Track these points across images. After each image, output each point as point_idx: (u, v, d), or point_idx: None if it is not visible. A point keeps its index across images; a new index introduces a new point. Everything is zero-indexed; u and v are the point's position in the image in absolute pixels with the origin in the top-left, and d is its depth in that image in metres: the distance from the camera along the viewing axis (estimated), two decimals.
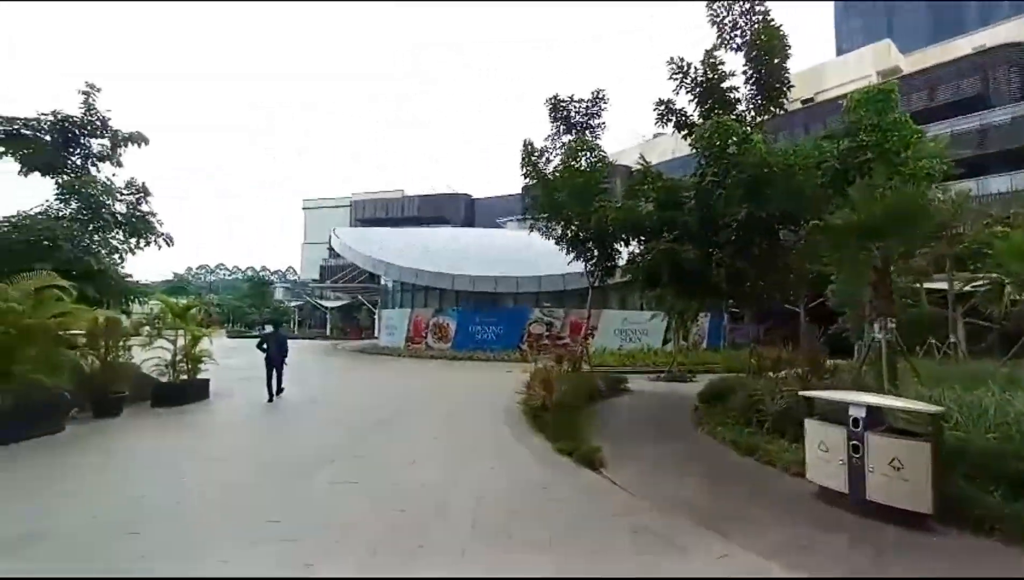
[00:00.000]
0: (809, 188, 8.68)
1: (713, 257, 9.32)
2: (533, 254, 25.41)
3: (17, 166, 12.13)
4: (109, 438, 7.16)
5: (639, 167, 10.83)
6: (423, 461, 5.99)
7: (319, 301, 56.63)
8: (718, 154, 9.14)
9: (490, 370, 17.39)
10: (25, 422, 6.79)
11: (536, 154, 12.20)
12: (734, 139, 8.91)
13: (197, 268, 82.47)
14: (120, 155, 13.17)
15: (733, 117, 9.61)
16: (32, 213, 11.75)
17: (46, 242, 10.85)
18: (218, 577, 3.26)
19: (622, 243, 11.72)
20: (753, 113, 10.12)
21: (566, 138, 12.55)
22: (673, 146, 58.05)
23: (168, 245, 13.97)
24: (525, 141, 12.16)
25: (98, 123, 12.47)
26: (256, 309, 51.23)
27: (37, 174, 12.36)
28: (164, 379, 9.84)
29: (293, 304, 62.02)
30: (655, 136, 67.63)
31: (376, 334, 50.25)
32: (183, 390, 9.86)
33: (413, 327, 25.44)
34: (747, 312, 19.60)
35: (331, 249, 66.87)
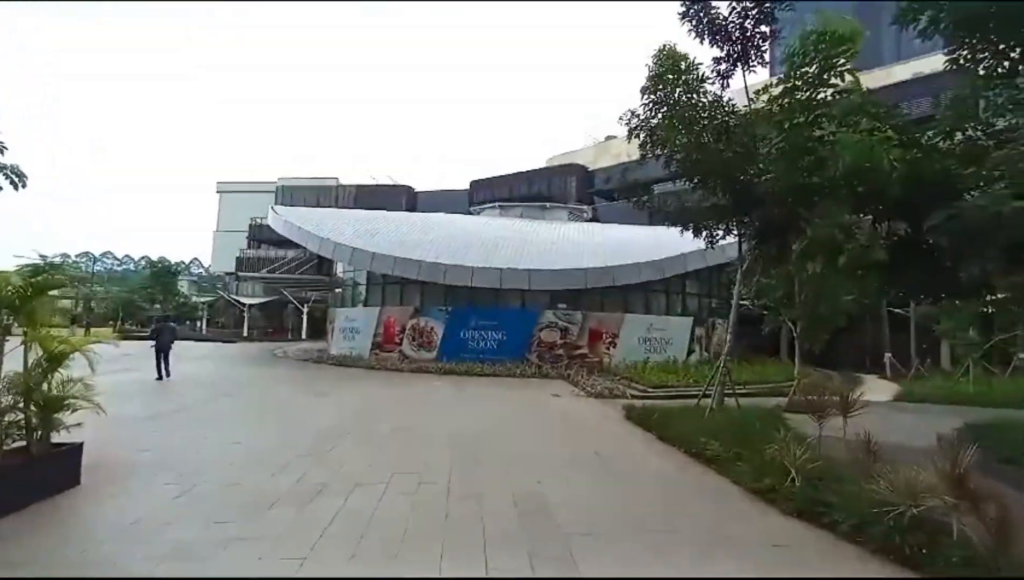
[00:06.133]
0: None
1: None
2: (539, 245, 20.97)
3: None
4: None
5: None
6: None
7: (235, 297, 48.15)
8: None
9: (521, 391, 12.66)
10: None
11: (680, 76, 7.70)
12: None
13: (76, 255, 68.12)
14: None
15: None
16: None
17: None
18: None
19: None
20: None
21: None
22: (627, 149, 56.57)
23: (18, 186, 7.96)
24: (660, 49, 7.66)
25: None
26: (156, 303, 41.87)
27: None
28: None
29: (202, 300, 52.63)
30: (607, 138, 66.26)
31: (303, 335, 43.22)
32: (22, 478, 4.30)
33: (384, 331, 19.91)
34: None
35: (251, 239, 58.17)
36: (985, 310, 14.91)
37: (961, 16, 6.45)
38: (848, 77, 6.20)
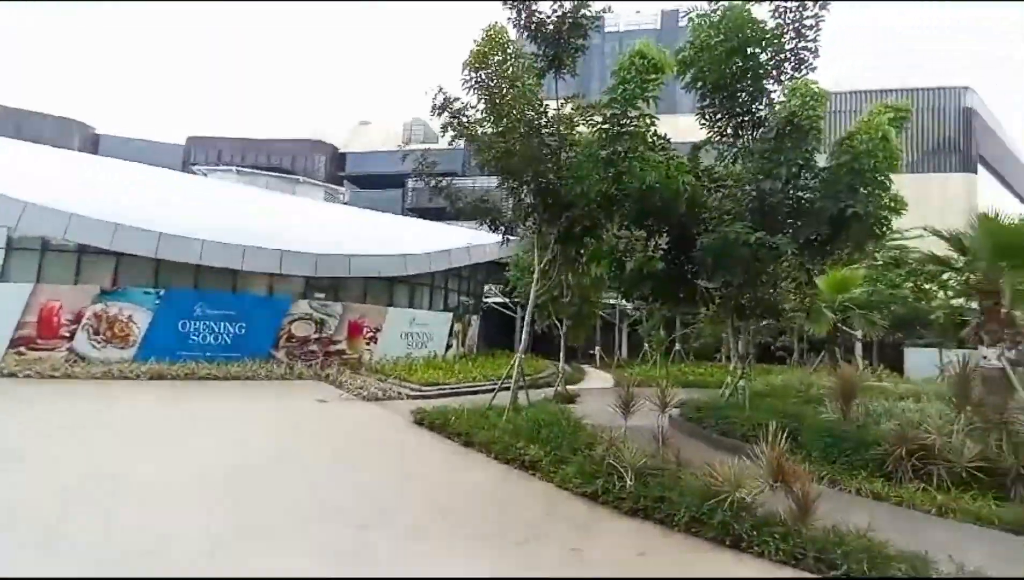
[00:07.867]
0: None
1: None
2: (292, 224, 17.92)
3: None
4: None
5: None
6: None
7: None
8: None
9: (276, 397, 10.43)
10: None
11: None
12: None
13: None
14: None
15: None
16: None
17: None
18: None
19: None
20: None
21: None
22: (382, 138, 55.36)
23: None
24: (490, 27, 7.08)
25: None
26: None
27: None
28: None
29: None
30: (361, 123, 63.21)
31: None
32: None
33: (39, 320, 13.67)
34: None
35: None
36: (666, 314, 19.80)
37: (711, 82, 7.99)
38: (651, 104, 6.98)
